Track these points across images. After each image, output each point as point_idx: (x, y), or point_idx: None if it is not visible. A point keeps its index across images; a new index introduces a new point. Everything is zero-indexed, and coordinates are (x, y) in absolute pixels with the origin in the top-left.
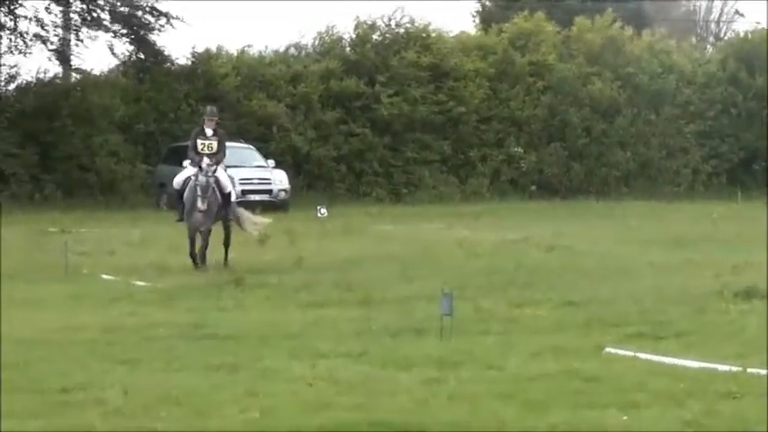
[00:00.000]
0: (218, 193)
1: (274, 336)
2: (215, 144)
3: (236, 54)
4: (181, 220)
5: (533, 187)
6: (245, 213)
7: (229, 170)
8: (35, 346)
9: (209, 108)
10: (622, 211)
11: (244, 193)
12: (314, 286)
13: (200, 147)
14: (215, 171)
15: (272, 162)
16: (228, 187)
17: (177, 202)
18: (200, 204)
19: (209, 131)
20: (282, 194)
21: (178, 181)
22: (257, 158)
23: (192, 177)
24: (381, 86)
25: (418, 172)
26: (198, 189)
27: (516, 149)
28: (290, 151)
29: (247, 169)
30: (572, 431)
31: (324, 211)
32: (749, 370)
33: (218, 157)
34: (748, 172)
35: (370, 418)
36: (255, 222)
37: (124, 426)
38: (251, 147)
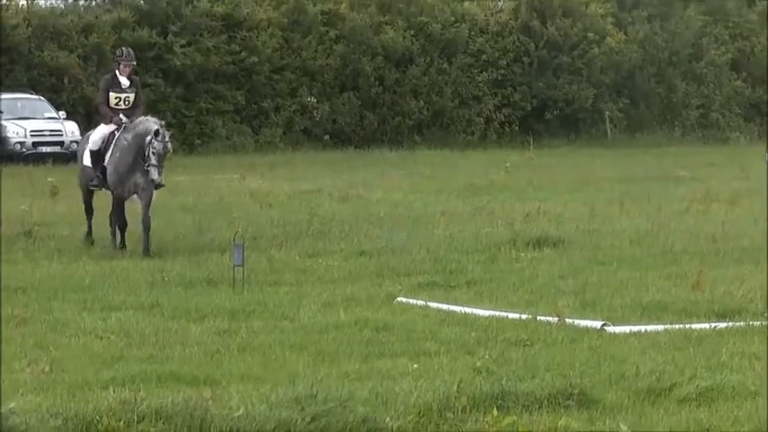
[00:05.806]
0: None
1: (65, 288)
2: (131, 97)
3: (26, 4)
4: (97, 186)
5: (327, 137)
6: None
7: (20, 122)
8: None
9: (124, 50)
10: (415, 160)
11: (35, 145)
12: (107, 238)
13: (113, 101)
14: (168, 137)
15: (63, 113)
16: None
17: (94, 165)
18: (155, 176)
19: (124, 81)
20: (74, 146)
21: (95, 140)
22: (48, 110)
23: (122, 138)
24: (174, 36)
25: (211, 122)
26: (153, 158)
27: (309, 99)
28: (82, 102)
29: (38, 121)
30: (363, 381)
31: None
32: (539, 317)
33: (137, 114)
34: (541, 120)
35: (161, 371)
36: None
37: None
38: (42, 98)
